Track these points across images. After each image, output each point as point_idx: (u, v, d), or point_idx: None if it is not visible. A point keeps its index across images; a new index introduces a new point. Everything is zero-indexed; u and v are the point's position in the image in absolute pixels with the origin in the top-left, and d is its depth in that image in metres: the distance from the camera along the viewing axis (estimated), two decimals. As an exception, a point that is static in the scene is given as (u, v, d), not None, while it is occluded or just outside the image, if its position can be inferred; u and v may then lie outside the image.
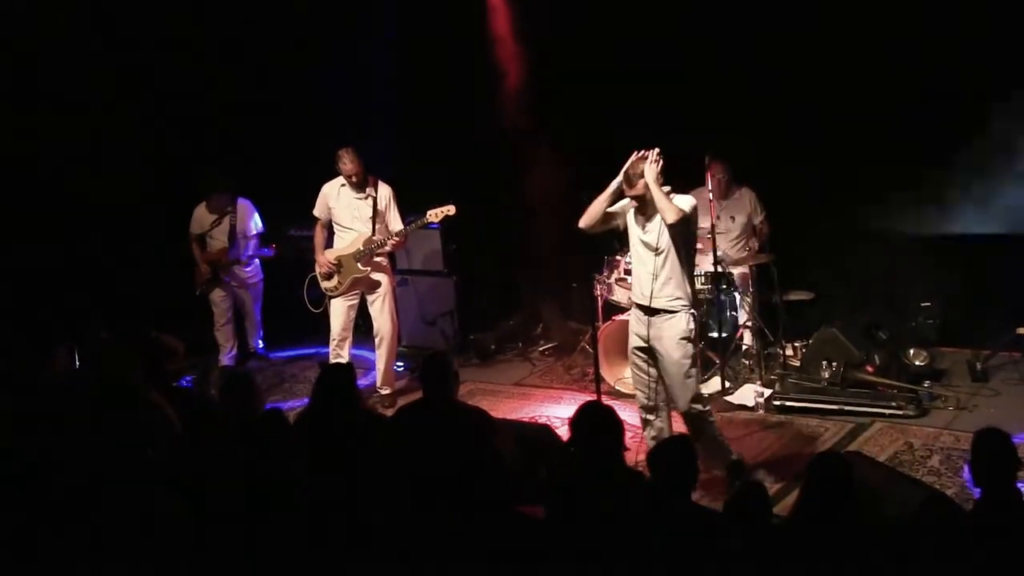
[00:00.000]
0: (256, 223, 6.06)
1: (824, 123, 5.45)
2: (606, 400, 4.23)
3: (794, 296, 5.48)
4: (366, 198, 5.27)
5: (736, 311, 5.54)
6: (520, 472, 3.48)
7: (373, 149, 5.74)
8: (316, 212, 5.41)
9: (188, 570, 2.83)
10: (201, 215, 5.97)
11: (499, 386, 5.74)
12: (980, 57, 5.05)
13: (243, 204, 5.99)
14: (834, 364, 5.06)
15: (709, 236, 5.20)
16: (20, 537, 2.92)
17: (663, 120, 5.41)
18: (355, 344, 5.54)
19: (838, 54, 5.32)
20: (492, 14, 5.98)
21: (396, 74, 6.66)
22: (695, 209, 3.91)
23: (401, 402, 5.05)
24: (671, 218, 3.76)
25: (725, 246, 5.51)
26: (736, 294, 5.45)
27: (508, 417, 4.91)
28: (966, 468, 2.75)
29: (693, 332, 3.95)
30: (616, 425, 3.04)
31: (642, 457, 3.73)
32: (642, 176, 3.81)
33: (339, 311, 5.35)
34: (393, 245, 5.35)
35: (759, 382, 5.22)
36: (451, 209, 5.15)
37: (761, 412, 4.97)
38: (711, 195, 5.24)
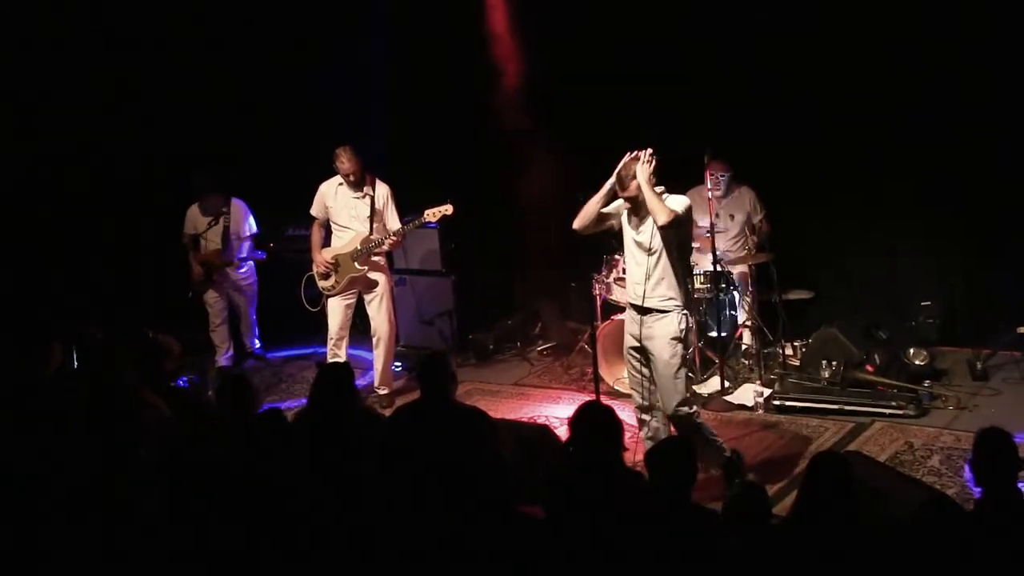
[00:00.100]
0: (251, 225, 6.05)
1: (825, 124, 5.45)
2: (605, 400, 4.21)
3: (794, 295, 5.47)
4: (364, 197, 5.26)
5: (735, 310, 5.54)
6: (520, 472, 3.46)
7: (372, 149, 5.74)
8: (313, 211, 5.40)
9: (185, 570, 2.82)
10: (194, 216, 5.96)
11: (498, 386, 5.73)
12: (982, 59, 5.05)
13: (237, 205, 5.97)
14: (834, 364, 5.05)
15: (708, 235, 5.20)
16: (17, 537, 2.92)
17: (664, 121, 5.41)
18: (352, 344, 5.53)
19: (839, 55, 5.31)
20: (490, 12, 5.97)
21: (395, 74, 6.67)
22: (688, 210, 3.91)
23: (399, 402, 5.04)
24: (662, 220, 3.76)
25: (724, 245, 5.51)
26: (735, 293, 5.45)
27: (507, 417, 4.90)
28: (967, 468, 2.74)
29: (684, 333, 3.94)
30: (615, 425, 3.03)
31: (640, 457, 3.73)
32: (634, 177, 3.81)
33: (336, 311, 5.34)
34: (391, 244, 5.34)
35: (758, 382, 5.21)
36: (448, 209, 5.14)
37: (760, 412, 4.96)
38: (710, 194, 5.23)
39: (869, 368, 5.06)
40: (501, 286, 6.49)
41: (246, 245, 6.04)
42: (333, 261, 5.30)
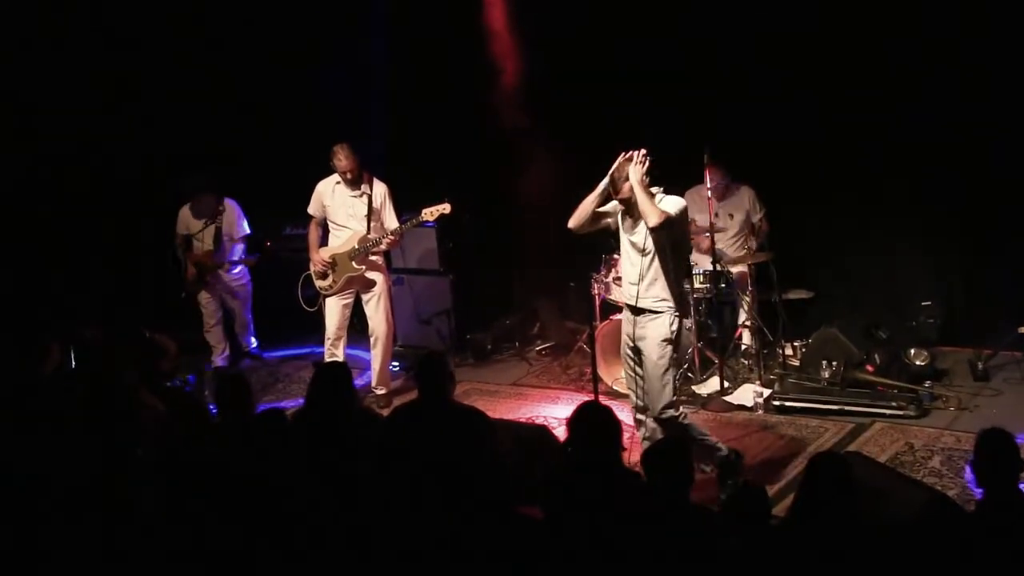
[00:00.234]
0: (244, 226, 6.01)
1: (824, 122, 5.44)
2: (604, 400, 4.21)
3: (793, 295, 5.46)
4: (361, 196, 5.25)
5: (735, 310, 5.53)
6: (518, 472, 3.46)
7: (372, 149, 5.74)
8: (310, 210, 5.38)
9: (184, 570, 2.82)
10: (186, 216, 5.93)
11: (496, 386, 5.72)
12: (980, 57, 5.04)
13: (231, 206, 5.93)
14: (834, 364, 5.04)
15: (708, 234, 5.19)
16: (17, 537, 2.92)
17: (662, 120, 5.41)
18: (350, 344, 5.52)
19: (838, 54, 5.31)
20: (489, 9, 5.96)
21: (395, 74, 6.66)
22: (683, 212, 3.90)
23: (396, 402, 5.05)
24: (652, 221, 3.75)
25: (723, 244, 5.50)
26: (736, 293, 5.44)
27: (505, 417, 4.89)
28: (968, 469, 2.73)
29: (675, 335, 3.94)
30: (614, 425, 3.03)
31: (636, 458, 3.72)
32: (627, 179, 3.80)
33: (334, 310, 5.33)
34: (388, 243, 5.32)
35: (758, 382, 5.20)
36: (446, 207, 5.13)
37: (760, 412, 4.95)
38: (709, 193, 5.22)
39: (869, 368, 5.05)
40: (499, 285, 6.48)
41: (239, 247, 6.01)
42: (330, 260, 5.29)
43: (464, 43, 6.06)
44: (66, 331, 4.48)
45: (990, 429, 2.76)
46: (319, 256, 5.32)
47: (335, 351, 5.35)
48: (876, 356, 5.08)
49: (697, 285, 5.21)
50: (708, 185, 5.21)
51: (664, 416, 3.96)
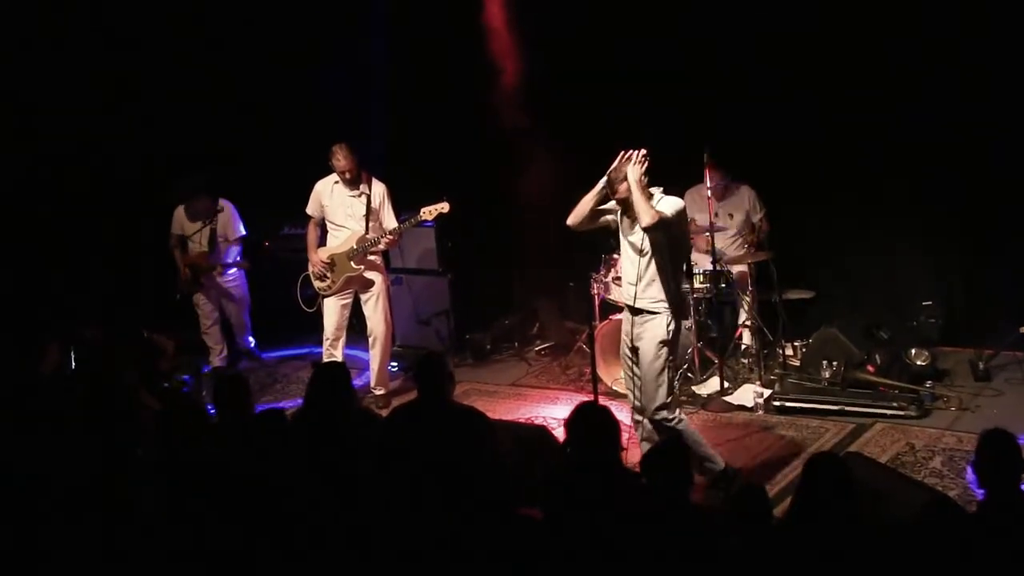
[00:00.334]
0: (239, 228, 5.97)
1: (824, 122, 5.44)
2: (603, 400, 4.21)
3: (794, 295, 5.45)
4: (359, 195, 5.24)
5: (735, 310, 5.52)
6: (518, 472, 3.46)
7: (372, 149, 5.73)
8: (309, 210, 5.38)
9: (184, 570, 2.81)
10: (181, 217, 5.90)
11: (495, 386, 5.71)
12: (980, 57, 5.04)
13: (227, 208, 5.91)
14: (834, 364, 5.04)
15: (707, 234, 5.18)
16: (17, 537, 2.92)
17: (662, 119, 5.40)
18: (349, 344, 5.51)
19: (838, 54, 5.31)
20: (488, 6, 5.96)
21: (395, 74, 6.66)
22: (680, 213, 3.89)
23: (395, 403, 5.04)
24: (645, 221, 3.75)
25: (723, 244, 5.49)
26: (736, 292, 5.43)
27: (504, 418, 4.89)
28: (970, 469, 2.73)
29: (671, 336, 3.93)
30: (612, 425, 3.02)
31: (634, 458, 3.72)
32: (624, 180, 3.80)
33: (332, 310, 5.32)
34: (387, 243, 5.31)
35: (758, 382, 5.19)
36: (445, 206, 5.12)
37: (760, 413, 4.95)
38: (709, 192, 5.22)
39: (870, 368, 5.05)
40: (499, 285, 6.48)
41: (234, 249, 5.98)
42: (329, 260, 5.28)
43: (464, 43, 6.06)
44: (66, 331, 4.48)
45: (992, 430, 2.75)
46: (317, 256, 5.31)
47: (333, 351, 5.35)
48: (877, 356, 5.07)
49: (697, 285, 5.20)
50: (708, 185, 5.21)
51: (657, 417, 3.96)
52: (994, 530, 2.58)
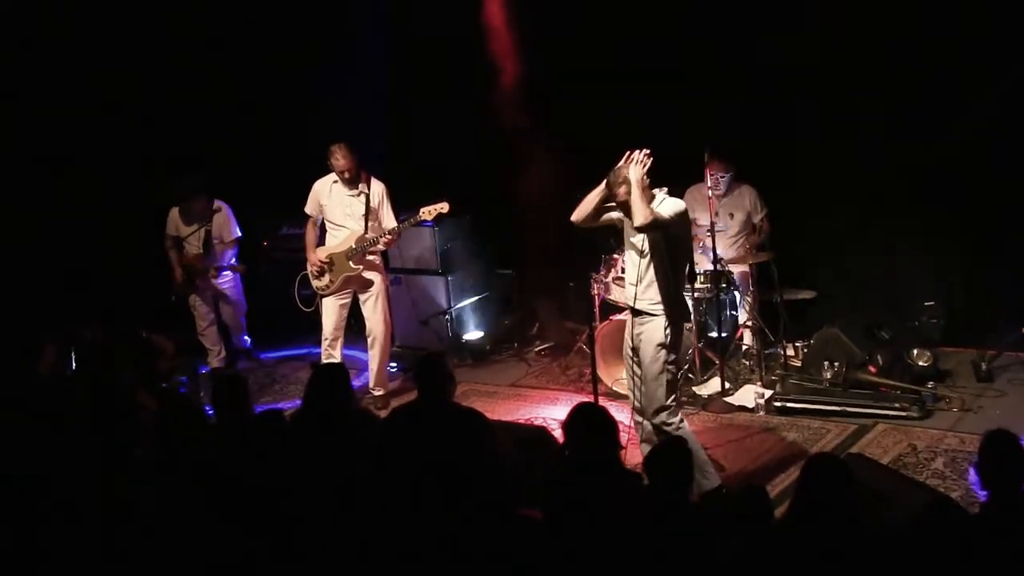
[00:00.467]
0: (235, 229, 5.95)
1: (824, 122, 5.43)
2: (603, 401, 4.20)
3: (795, 295, 5.45)
4: (358, 195, 5.23)
5: (736, 310, 5.51)
6: (518, 473, 3.45)
7: (372, 148, 5.72)
8: (307, 209, 5.36)
9: (184, 571, 2.81)
10: (175, 218, 5.88)
11: (494, 387, 5.70)
12: (980, 57, 5.03)
13: (223, 208, 5.88)
14: (836, 364, 5.03)
15: (708, 234, 5.18)
16: (17, 537, 2.91)
17: (662, 119, 5.40)
18: (347, 344, 5.50)
19: (838, 54, 5.30)
20: (488, 9, 5.96)
21: (394, 73, 6.66)
22: (679, 215, 3.87)
23: (394, 403, 5.03)
24: (637, 221, 3.74)
25: (723, 244, 5.48)
26: (736, 293, 5.43)
27: (504, 419, 4.87)
28: (972, 471, 2.72)
29: (670, 339, 3.92)
30: (610, 425, 3.02)
31: (634, 458, 3.70)
32: (623, 183, 3.79)
33: (331, 310, 5.30)
34: (386, 243, 5.29)
35: (759, 383, 5.19)
36: (444, 206, 5.11)
37: (761, 413, 4.94)
38: (710, 192, 5.21)
39: (872, 369, 5.03)
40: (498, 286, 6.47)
41: (230, 252, 5.96)
42: (328, 260, 5.27)
43: (464, 43, 6.06)
44: (65, 331, 4.48)
45: (995, 431, 2.75)
46: (316, 256, 5.30)
47: (332, 352, 5.33)
48: (878, 357, 5.06)
49: (698, 285, 5.20)
50: (708, 184, 5.20)
51: (657, 420, 3.95)
52: (997, 531, 2.57)
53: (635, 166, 3.79)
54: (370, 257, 5.30)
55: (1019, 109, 4.99)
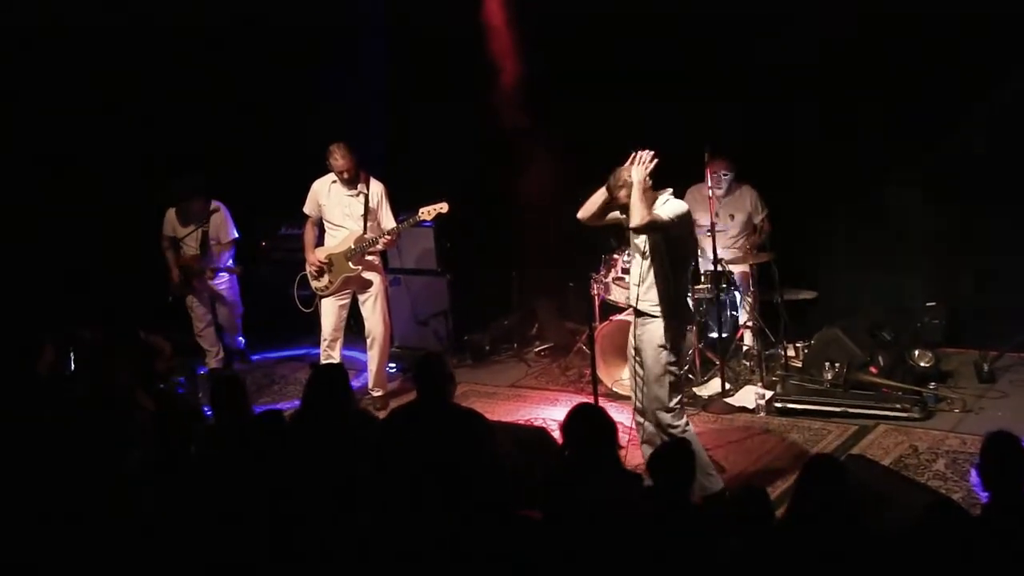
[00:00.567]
0: (232, 230, 5.93)
1: (824, 123, 5.43)
2: (603, 402, 4.20)
3: (796, 295, 5.44)
4: (357, 195, 5.22)
5: (736, 311, 5.51)
6: (518, 474, 3.45)
7: (372, 149, 5.71)
8: (306, 209, 5.35)
9: (184, 571, 2.81)
10: (172, 219, 5.87)
11: (494, 388, 5.69)
12: (980, 57, 5.03)
13: (221, 209, 5.87)
14: (837, 365, 5.02)
15: (708, 234, 5.17)
16: (18, 537, 2.91)
17: (662, 119, 5.40)
18: (346, 345, 5.48)
19: (838, 54, 5.30)
20: (488, 8, 5.95)
21: (394, 73, 6.66)
22: (680, 217, 3.85)
23: (393, 404, 5.02)
24: (634, 222, 3.73)
25: (724, 244, 5.48)
26: (736, 293, 5.42)
27: (503, 419, 4.86)
28: (974, 472, 2.71)
29: (671, 341, 3.90)
30: (609, 425, 3.01)
31: (633, 459, 3.68)
32: (623, 187, 3.79)
33: (330, 311, 5.29)
34: (385, 243, 5.28)
35: (760, 383, 5.18)
36: (444, 206, 5.10)
37: (762, 414, 4.93)
38: (710, 192, 5.21)
39: (873, 370, 5.03)
40: (498, 286, 6.45)
41: (227, 253, 5.94)
42: (326, 260, 5.26)
43: (464, 43, 6.06)
44: (64, 331, 4.47)
45: (997, 432, 2.74)
46: (315, 256, 5.29)
47: (331, 352, 5.32)
48: (880, 357, 5.05)
49: (698, 286, 5.19)
50: (709, 184, 5.19)
51: (659, 421, 3.95)
52: (998, 533, 2.56)
53: (638, 167, 3.79)
54: (369, 257, 5.28)
55: (1019, 109, 4.98)
